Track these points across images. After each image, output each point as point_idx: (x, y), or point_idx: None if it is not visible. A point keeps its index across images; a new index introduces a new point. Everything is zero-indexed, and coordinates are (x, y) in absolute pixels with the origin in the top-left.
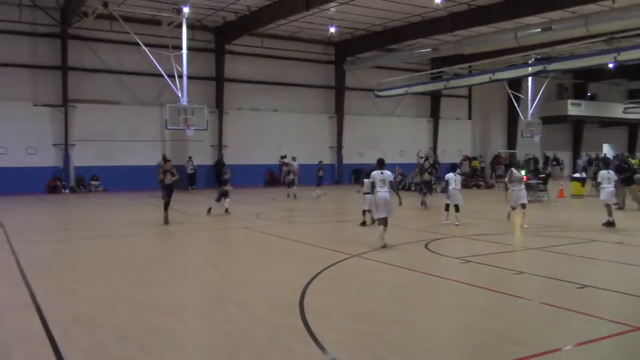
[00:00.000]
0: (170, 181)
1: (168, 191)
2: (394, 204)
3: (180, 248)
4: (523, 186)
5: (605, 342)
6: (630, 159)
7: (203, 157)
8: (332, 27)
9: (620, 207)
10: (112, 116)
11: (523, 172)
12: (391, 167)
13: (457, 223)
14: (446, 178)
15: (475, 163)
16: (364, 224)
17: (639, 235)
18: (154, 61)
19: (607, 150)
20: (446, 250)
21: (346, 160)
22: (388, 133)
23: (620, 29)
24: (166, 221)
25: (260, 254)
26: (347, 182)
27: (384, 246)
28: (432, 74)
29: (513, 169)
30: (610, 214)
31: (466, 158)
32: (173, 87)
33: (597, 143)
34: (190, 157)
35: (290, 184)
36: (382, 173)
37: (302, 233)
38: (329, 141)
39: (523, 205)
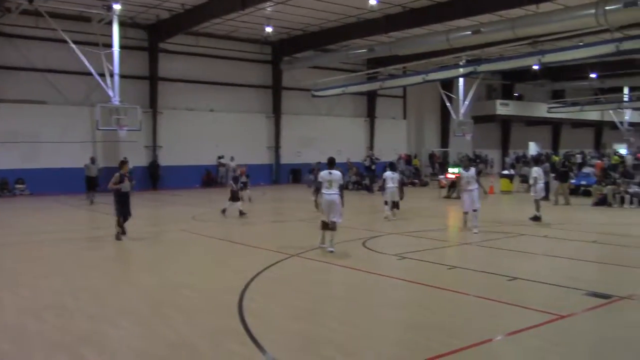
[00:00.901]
0: (129, 188)
1: (126, 201)
2: (342, 207)
3: (113, 253)
4: (476, 186)
5: (533, 331)
6: (554, 156)
7: (137, 158)
8: (268, 26)
9: (555, 202)
10: (38, 116)
11: (473, 170)
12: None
13: (390, 217)
14: (383, 176)
15: (416, 162)
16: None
17: (562, 228)
18: (84, 59)
19: (534, 148)
20: (383, 247)
21: (284, 160)
22: (325, 132)
23: (543, 32)
24: (119, 237)
25: (197, 256)
26: (285, 181)
27: (331, 252)
28: (368, 74)
29: (461, 170)
30: (537, 209)
31: (406, 157)
32: (104, 86)
33: (524, 141)
34: (125, 159)
35: (243, 186)
36: (330, 173)
37: (239, 234)
38: (266, 141)
39: (474, 210)
